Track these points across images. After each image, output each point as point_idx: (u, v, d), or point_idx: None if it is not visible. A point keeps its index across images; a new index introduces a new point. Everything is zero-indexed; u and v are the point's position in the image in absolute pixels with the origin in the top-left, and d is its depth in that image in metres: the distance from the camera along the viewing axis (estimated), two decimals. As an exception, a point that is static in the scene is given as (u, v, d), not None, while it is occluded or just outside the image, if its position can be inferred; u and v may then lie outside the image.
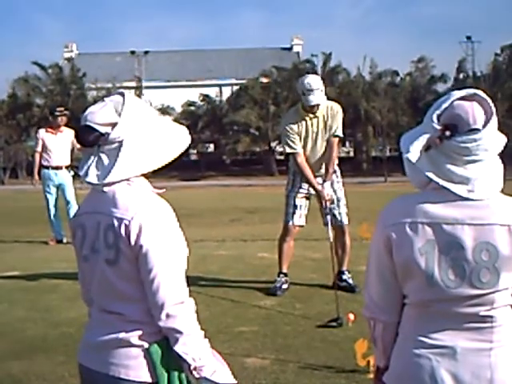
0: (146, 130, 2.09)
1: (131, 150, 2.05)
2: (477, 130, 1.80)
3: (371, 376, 3.93)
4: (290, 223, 5.99)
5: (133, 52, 48.43)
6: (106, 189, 2.07)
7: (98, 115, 2.07)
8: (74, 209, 9.50)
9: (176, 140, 2.16)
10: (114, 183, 2.06)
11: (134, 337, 2.03)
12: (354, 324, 4.90)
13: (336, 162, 5.98)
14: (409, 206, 1.86)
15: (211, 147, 44.70)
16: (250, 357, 4.35)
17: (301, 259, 6.95)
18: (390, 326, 1.95)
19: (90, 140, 2.06)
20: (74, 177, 9.83)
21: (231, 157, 40.20)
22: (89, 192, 2.19)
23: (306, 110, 5.82)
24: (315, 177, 5.88)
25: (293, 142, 5.84)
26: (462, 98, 1.84)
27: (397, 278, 1.88)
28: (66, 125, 9.70)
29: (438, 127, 1.82)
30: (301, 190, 6.00)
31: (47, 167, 9.54)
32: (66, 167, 9.63)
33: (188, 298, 2.03)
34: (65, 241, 9.51)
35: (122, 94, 2.13)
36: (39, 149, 9.61)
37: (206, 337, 2.04)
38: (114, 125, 2.05)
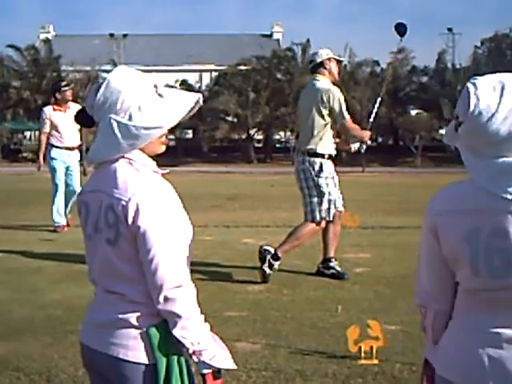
0: (126, 107, 2.01)
1: (114, 128, 2.00)
2: (462, 123, 1.78)
3: (362, 362, 3.96)
4: (333, 210, 5.91)
5: (111, 35, 47.96)
6: (106, 167, 2.05)
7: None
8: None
9: (165, 113, 2.04)
10: (106, 162, 2.05)
11: (133, 317, 2.00)
12: (343, 311, 4.92)
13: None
14: (455, 193, 1.83)
15: (189, 133, 44.49)
16: (240, 341, 4.33)
17: (286, 246, 6.94)
18: (441, 314, 1.91)
19: (83, 122, 2.17)
20: (80, 160, 9.12)
21: (209, 143, 40.06)
22: (94, 170, 2.16)
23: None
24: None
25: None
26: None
27: (447, 265, 1.85)
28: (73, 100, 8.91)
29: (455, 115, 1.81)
30: (328, 175, 5.94)
31: (60, 147, 8.74)
32: (78, 148, 8.92)
33: (188, 281, 2.01)
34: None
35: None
36: (47, 129, 8.67)
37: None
38: (92, 106, 2.07)
